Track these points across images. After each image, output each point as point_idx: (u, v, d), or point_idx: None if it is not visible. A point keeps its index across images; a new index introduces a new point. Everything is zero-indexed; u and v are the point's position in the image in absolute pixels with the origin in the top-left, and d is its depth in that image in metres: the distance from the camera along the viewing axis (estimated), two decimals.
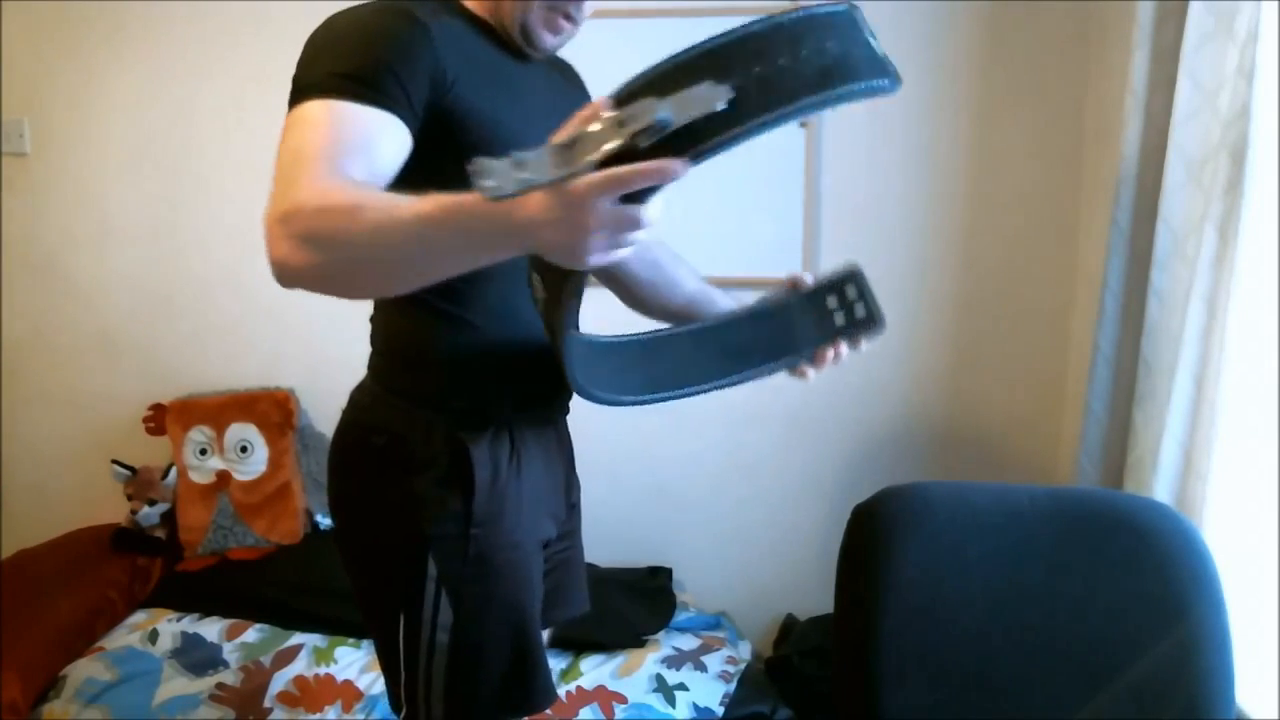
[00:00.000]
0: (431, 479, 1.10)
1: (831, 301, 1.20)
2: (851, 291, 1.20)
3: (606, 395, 1.05)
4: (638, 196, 0.73)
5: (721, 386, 1.15)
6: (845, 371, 2.36)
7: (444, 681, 1.11)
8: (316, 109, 0.92)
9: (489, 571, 1.11)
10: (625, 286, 1.34)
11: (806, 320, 1.20)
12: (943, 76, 2.15)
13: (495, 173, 0.71)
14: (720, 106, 0.72)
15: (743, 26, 0.78)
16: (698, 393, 1.14)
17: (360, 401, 1.17)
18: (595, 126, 0.72)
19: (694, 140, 0.72)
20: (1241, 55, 1.40)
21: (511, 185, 0.70)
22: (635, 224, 0.74)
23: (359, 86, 0.93)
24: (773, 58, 0.76)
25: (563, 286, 0.89)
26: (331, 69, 0.94)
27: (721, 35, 0.78)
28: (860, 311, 1.19)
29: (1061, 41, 2.10)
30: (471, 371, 1.12)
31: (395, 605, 1.12)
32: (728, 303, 1.31)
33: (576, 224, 0.72)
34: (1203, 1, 1.46)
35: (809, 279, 1.22)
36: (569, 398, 1.28)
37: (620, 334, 1.17)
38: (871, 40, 0.81)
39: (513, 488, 1.13)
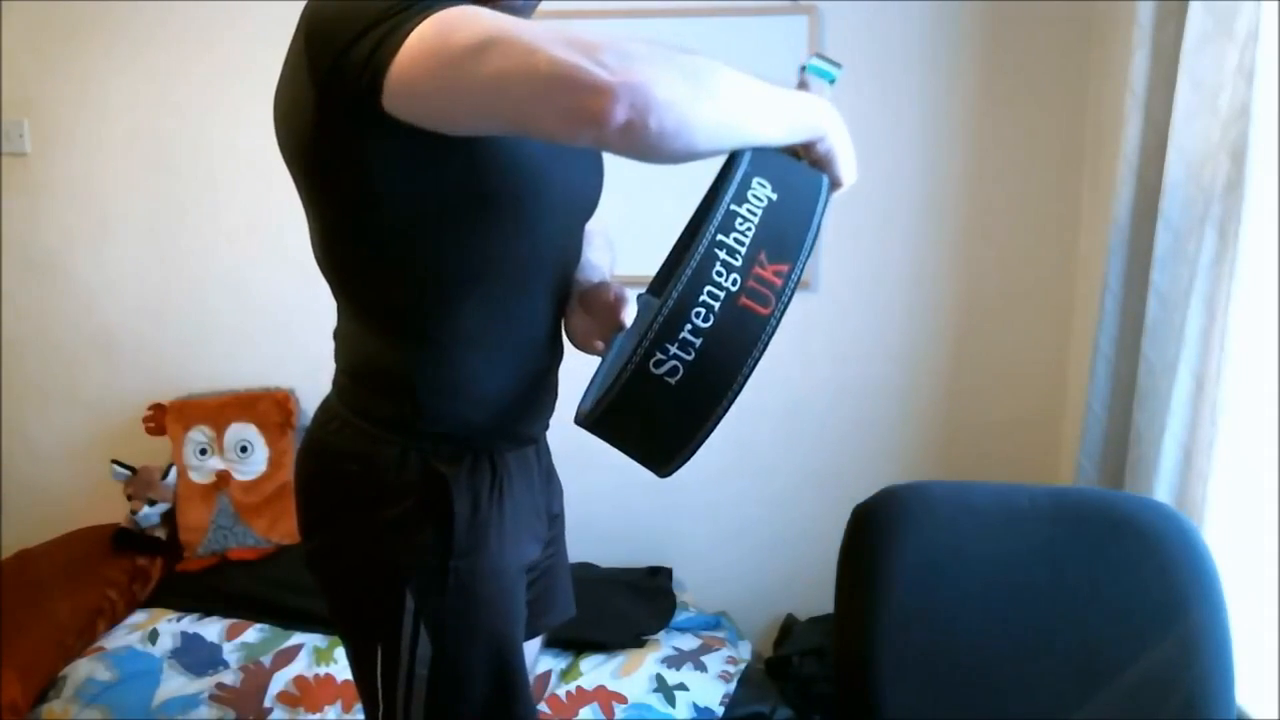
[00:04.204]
0: (407, 509, 1.04)
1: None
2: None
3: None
4: None
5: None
6: (845, 371, 2.37)
7: (423, 716, 1.07)
8: (468, 14, 0.79)
9: (471, 604, 1.06)
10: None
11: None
12: (943, 76, 2.15)
13: None
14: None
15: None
16: None
17: (328, 425, 1.10)
18: None
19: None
20: (1241, 55, 1.40)
21: None
22: None
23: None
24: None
25: None
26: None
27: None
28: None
29: (1061, 41, 2.11)
30: (445, 398, 1.05)
31: (372, 637, 1.08)
32: (585, 275, 1.18)
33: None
34: (1203, 1, 1.46)
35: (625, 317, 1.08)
36: (549, 415, 1.23)
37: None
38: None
39: (494, 516, 1.08)
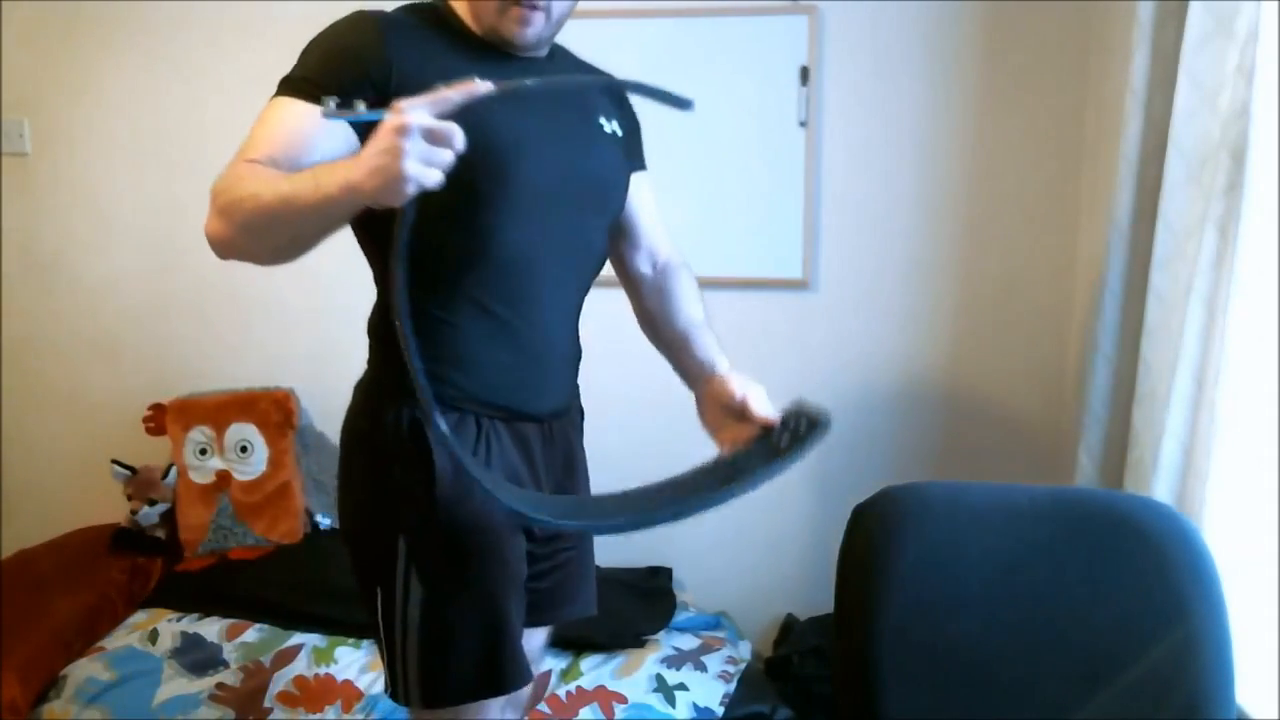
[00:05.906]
0: (399, 462, 1.16)
1: (778, 433, 1.16)
2: (792, 420, 1.16)
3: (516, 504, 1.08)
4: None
5: (644, 522, 1.10)
6: (844, 370, 2.36)
7: (418, 658, 1.16)
8: (274, 105, 1.10)
9: (458, 553, 1.16)
10: (635, 292, 1.39)
11: (755, 457, 1.15)
12: (943, 76, 2.15)
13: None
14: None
15: None
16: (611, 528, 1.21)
17: (356, 388, 1.25)
18: None
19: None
20: (1241, 55, 1.40)
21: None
22: (447, 139, 0.86)
23: (310, 87, 1.07)
24: None
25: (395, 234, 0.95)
26: (299, 72, 1.11)
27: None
28: (804, 426, 1.14)
29: (1061, 41, 2.11)
30: (438, 363, 1.15)
31: (373, 583, 1.19)
32: (706, 353, 1.28)
33: (394, 149, 0.85)
34: (1203, 1, 1.46)
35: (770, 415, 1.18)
36: (562, 401, 1.29)
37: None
38: None
39: (479, 473, 1.15)
